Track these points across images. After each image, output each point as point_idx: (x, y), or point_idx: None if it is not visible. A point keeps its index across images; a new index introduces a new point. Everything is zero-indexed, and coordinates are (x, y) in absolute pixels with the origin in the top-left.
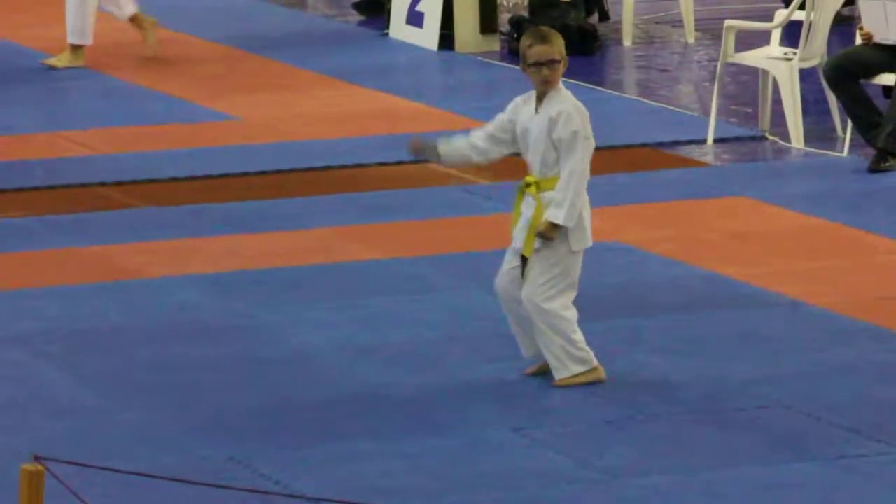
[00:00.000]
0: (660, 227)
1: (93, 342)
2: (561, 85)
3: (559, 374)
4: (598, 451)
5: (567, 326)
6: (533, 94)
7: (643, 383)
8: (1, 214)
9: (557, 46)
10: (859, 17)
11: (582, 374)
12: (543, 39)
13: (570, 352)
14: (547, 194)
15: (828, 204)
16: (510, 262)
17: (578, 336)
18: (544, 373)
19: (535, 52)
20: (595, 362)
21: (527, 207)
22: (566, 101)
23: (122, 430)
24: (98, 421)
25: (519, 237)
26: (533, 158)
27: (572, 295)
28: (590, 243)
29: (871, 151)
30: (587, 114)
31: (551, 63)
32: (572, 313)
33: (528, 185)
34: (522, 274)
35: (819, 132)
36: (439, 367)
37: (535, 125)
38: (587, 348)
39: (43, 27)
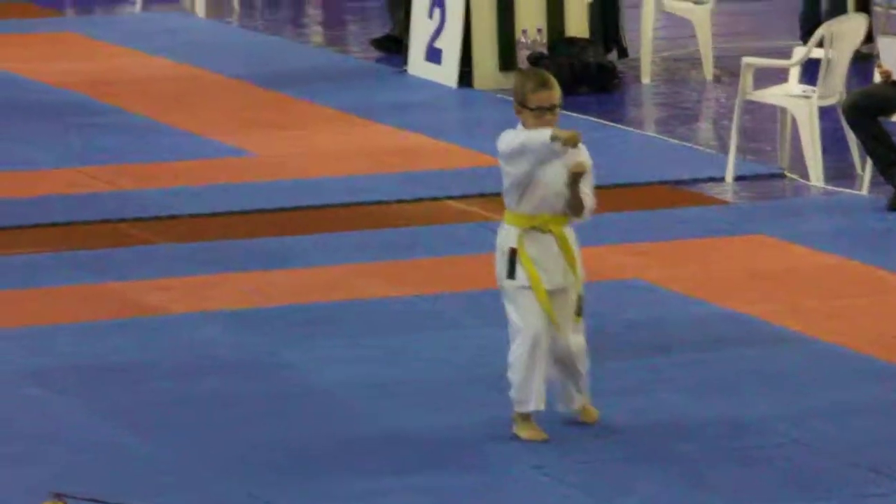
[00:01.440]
0: (679, 264)
1: (112, 378)
2: None
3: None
4: (619, 488)
5: None
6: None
7: (663, 421)
8: (20, 250)
9: (558, 91)
10: (878, 55)
11: None
12: (546, 84)
13: None
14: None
15: (847, 242)
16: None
17: None
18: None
19: (540, 97)
20: None
21: (539, 250)
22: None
23: (142, 466)
24: (117, 457)
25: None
26: (549, 197)
27: None
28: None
29: (890, 189)
30: None
31: (553, 108)
32: None
33: (547, 223)
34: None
35: (838, 170)
36: (461, 404)
37: (550, 166)
38: None
39: (63, 63)
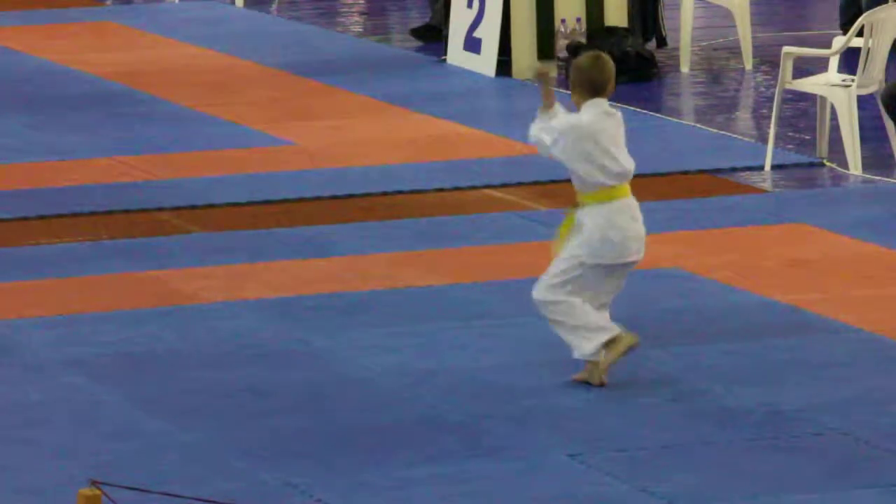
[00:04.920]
0: (717, 253)
1: (150, 367)
2: (587, 103)
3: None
4: (655, 476)
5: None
6: None
7: (700, 409)
8: (59, 239)
9: (570, 70)
10: None
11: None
12: None
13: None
14: (579, 211)
15: (886, 231)
16: None
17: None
18: (585, 381)
19: None
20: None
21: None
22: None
23: (179, 454)
24: (155, 445)
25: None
26: None
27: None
28: (603, 261)
29: None
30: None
31: None
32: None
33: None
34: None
35: (877, 159)
36: (497, 393)
37: None
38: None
39: (102, 52)
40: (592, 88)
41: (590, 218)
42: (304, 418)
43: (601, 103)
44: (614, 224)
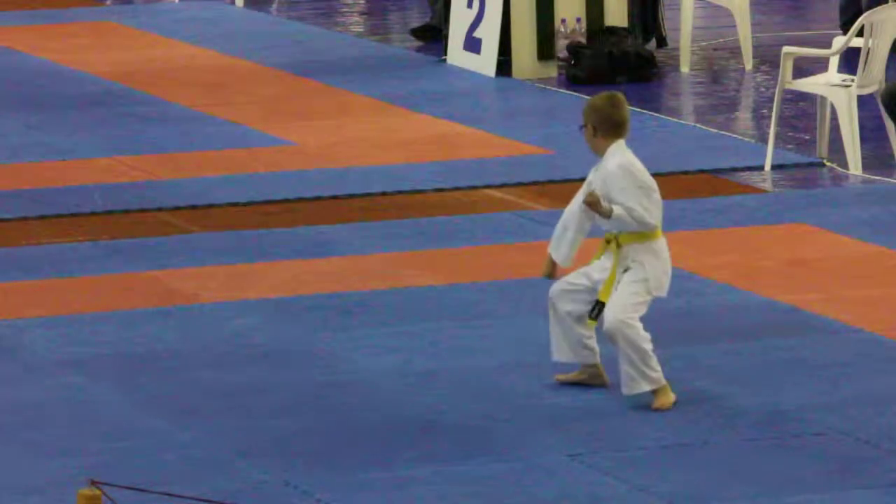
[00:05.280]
0: (717, 253)
1: (150, 367)
2: (612, 146)
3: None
4: (655, 477)
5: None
6: None
7: (700, 409)
8: (59, 239)
9: (584, 113)
10: None
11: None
12: None
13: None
14: (625, 248)
15: (886, 231)
16: (575, 283)
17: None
18: (577, 383)
19: None
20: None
21: (606, 258)
22: (609, 159)
23: (179, 454)
24: (155, 445)
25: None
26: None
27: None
28: (663, 294)
29: None
30: (634, 169)
31: (581, 128)
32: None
33: (608, 241)
34: (591, 315)
35: (877, 159)
36: (496, 393)
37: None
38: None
39: (102, 52)
40: (613, 128)
41: (647, 254)
42: (304, 418)
43: (622, 145)
44: (667, 258)
